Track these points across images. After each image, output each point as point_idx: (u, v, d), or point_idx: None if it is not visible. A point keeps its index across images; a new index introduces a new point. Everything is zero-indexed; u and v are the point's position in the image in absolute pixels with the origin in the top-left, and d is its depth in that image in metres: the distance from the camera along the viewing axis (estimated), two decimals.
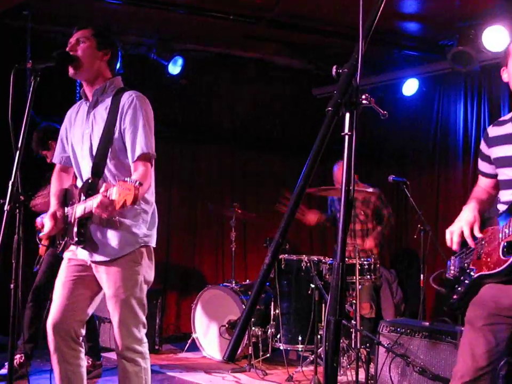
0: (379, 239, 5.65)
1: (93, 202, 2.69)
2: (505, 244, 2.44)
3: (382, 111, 1.56)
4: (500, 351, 2.54)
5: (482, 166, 2.78)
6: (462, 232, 2.59)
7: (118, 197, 2.51)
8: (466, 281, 2.60)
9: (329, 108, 1.35)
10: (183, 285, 6.77)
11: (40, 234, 4.43)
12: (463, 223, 2.60)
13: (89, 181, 2.89)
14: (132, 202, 2.51)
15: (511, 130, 2.60)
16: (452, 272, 2.70)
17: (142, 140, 2.84)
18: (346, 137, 1.36)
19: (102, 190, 2.62)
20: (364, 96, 1.39)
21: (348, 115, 1.37)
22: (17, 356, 4.50)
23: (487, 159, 2.73)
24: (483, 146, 2.74)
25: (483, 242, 2.57)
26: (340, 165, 5.59)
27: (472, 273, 2.58)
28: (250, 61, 7.00)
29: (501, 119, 2.72)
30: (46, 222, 3.11)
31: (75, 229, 2.89)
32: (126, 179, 2.55)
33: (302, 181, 1.28)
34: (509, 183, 2.57)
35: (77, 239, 2.89)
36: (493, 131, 2.70)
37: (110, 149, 2.90)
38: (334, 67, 1.42)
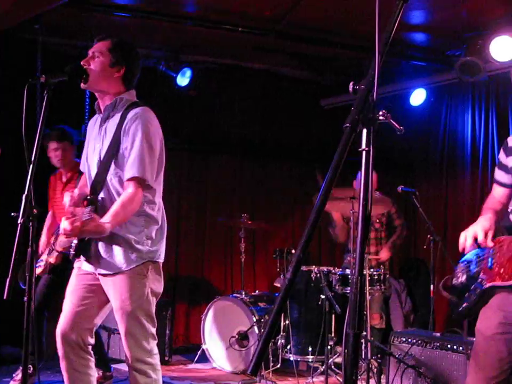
0: (393, 250, 5.64)
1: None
2: None
3: (398, 127, 1.57)
4: (511, 361, 2.52)
5: (499, 175, 2.75)
6: (476, 238, 2.56)
7: (79, 225, 2.69)
8: (477, 290, 2.57)
9: (347, 124, 1.36)
10: (192, 295, 6.76)
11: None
12: (478, 228, 2.57)
13: (88, 197, 2.94)
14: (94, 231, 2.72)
15: None
16: (460, 279, 2.67)
17: (136, 163, 2.86)
18: (364, 153, 1.37)
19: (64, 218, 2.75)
20: (380, 112, 1.40)
21: (365, 131, 1.38)
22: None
23: (504, 168, 2.71)
24: (501, 155, 2.73)
25: (495, 251, 2.54)
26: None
27: (483, 282, 2.55)
28: (258, 72, 7.03)
29: None
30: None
31: (74, 242, 2.95)
32: (85, 210, 2.73)
33: (322, 196, 1.30)
34: None
35: (74, 252, 2.95)
36: None
37: (114, 167, 2.93)
38: (351, 83, 1.43)
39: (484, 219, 2.63)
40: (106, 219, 2.80)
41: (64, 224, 2.74)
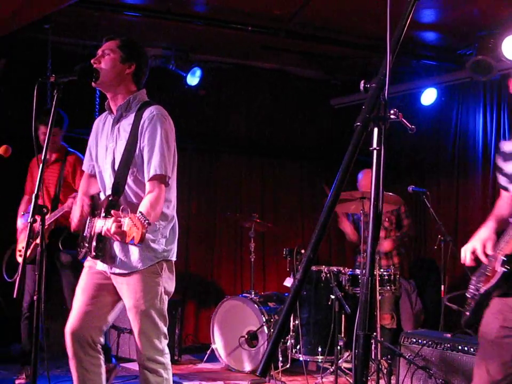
0: (397, 243, 5.61)
1: (105, 226, 2.71)
2: (502, 257, 2.48)
3: (409, 126, 1.56)
4: None
5: (500, 179, 2.79)
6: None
7: (128, 230, 2.56)
8: (475, 297, 2.63)
9: (358, 123, 1.34)
10: (202, 295, 6.77)
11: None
12: (476, 241, 2.64)
13: (110, 198, 2.91)
14: (138, 241, 2.56)
15: None
16: (471, 291, 2.71)
17: (157, 161, 2.85)
18: (375, 152, 1.35)
19: (112, 219, 2.63)
20: (392, 111, 1.39)
21: (376, 130, 1.36)
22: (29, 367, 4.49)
23: (502, 173, 2.74)
24: (499, 160, 2.76)
25: (492, 259, 2.59)
26: (364, 173, 5.59)
27: (480, 289, 2.61)
28: (268, 71, 7.02)
29: None
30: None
31: (93, 244, 2.91)
32: (138, 214, 2.61)
33: (332, 197, 1.28)
34: None
35: (94, 253, 2.92)
36: (507, 146, 2.71)
37: (131, 167, 2.91)
38: (362, 82, 1.41)
39: (484, 229, 2.69)
40: None
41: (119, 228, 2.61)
